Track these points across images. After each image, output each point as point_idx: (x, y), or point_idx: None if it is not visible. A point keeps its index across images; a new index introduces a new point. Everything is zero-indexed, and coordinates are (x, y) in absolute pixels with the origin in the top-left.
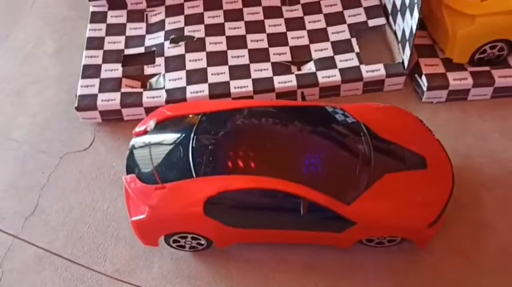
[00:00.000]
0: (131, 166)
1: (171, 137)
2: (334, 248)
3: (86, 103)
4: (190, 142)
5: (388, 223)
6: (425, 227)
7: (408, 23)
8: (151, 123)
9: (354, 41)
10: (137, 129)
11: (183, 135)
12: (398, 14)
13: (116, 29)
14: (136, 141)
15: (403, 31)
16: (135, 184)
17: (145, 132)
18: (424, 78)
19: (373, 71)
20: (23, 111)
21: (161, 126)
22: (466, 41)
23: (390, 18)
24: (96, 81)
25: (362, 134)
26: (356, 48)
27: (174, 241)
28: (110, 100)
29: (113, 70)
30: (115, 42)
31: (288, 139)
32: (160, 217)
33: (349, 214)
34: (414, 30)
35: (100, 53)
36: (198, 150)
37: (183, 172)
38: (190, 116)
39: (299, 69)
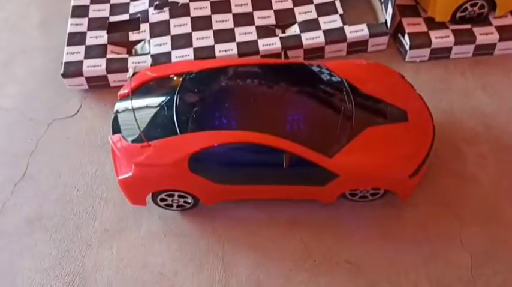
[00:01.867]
0: (117, 127)
1: (155, 97)
2: (319, 204)
3: (72, 70)
4: (174, 101)
5: (369, 174)
6: (406, 178)
7: None
8: (130, 72)
9: (337, 3)
10: (121, 91)
11: (167, 95)
12: None
13: None
14: (121, 102)
15: None
16: (121, 143)
17: (130, 93)
18: (406, 37)
19: (357, 31)
20: (10, 81)
21: (145, 87)
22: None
23: None
24: (81, 49)
25: (344, 89)
26: (340, 10)
27: (162, 200)
28: (95, 66)
29: (98, 37)
30: (100, 10)
31: (270, 96)
32: (146, 175)
33: (332, 166)
34: None
35: (85, 20)
36: (181, 108)
37: (168, 130)
38: (174, 76)
39: (283, 32)
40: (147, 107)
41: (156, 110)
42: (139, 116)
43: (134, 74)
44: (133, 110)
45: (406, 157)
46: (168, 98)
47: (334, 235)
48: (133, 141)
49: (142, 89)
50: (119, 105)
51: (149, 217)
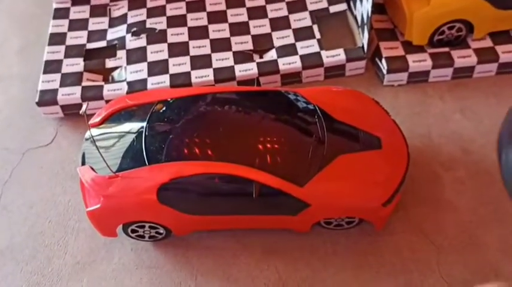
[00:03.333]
0: (86, 157)
1: (125, 126)
2: (294, 232)
3: (47, 98)
4: (144, 130)
5: (341, 203)
6: (380, 206)
7: (365, 7)
8: (83, 108)
9: (315, 27)
10: (92, 120)
11: (137, 124)
12: None
13: (78, 24)
14: (92, 132)
15: (362, 15)
16: (89, 175)
17: (100, 123)
18: (384, 61)
19: (334, 56)
20: None
21: (117, 116)
22: (423, 23)
23: (351, 3)
24: (57, 76)
25: (316, 117)
26: (317, 35)
27: (133, 231)
28: (70, 94)
29: (75, 65)
30: (77, 37)
31: (240, 124)
32: (115, 206)
33: (303, 195)
34: (370, 13)
35: (62, 48)
36: (150, 138)
37: (137, 160)
38: (146, 105)
39: (261, 57)
40: (117, 136)
41: (125, 139)
42: (109, 145)
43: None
44: (94, 141)
45: (378, 185)
46: (138, 127)
47: (309, 264)
48: (101, 172)
49: (113, 118)
50: (90, 133)
51: (121, 248)
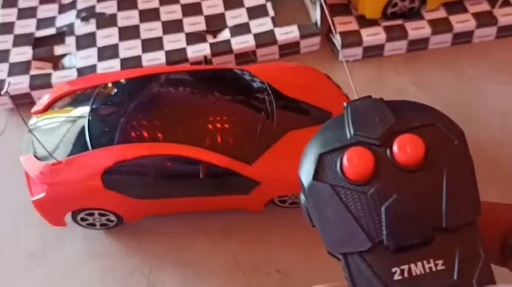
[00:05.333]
0: (29, 146)
1: (69, 112)
2: (249, 213)
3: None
4: (87, 115)
5: (290, 180)
6: None
7: None
8: (5, 87)
9: (269, 5)
10: (35, 108)
11: (81, 108)
12: None
13: (27, 13)
14: (34, 120)
15: None
16: (33, 163)
17: (44, 110)
18: (338, 36)
19: (287, 33)
20: None
21: (61, 102)
22: None
23: None
24: (5, 66)
25: (266, 94)
26: (271, 13)
27: (83, 219)
28: (18, 84)
29: (23, 54)
30: (26, 26)
31: (187, 103)
32: (60, 194)
33: (251, 173)
34: None
35: (10, 37)
36: (94, 122)
37: (80, 146)
38: (89, 89)
39: (215, 37)
40: (61, 123)
41: (69, 125)
42: (51, 132)
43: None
44: (30, 130)
45: None
46: (81, 112)
47: (265, 244)
48: (45, 160)
49: (57, 104)
50: (33, 120)
51: (73, 237)
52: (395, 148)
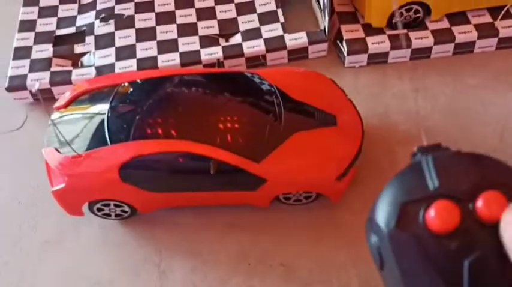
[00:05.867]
0: (51, 139)
1: (89, 108)
2: (257, 208)
3: (16, 84)
4: (107, 111)
5: (296, 178)
6: (333, 180)
7: None
8: (36, 85)
9: (279, 11)
10: (57, 103)
11: (101, 105)
12: None
13: (48, 11)
14: (56, 115)
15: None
16: (54, 155)
17: (65, 105)
18: (344, 43)
19: (296, 39)
20: None
21: (82, 99)
22: (381, 5)
23: None
24: (26, 62)
25: (274, 97)
26: (281, 19)
27: (99, 210)
28: (39, 79)
29: (44, 51)
30: (47, 24)
31: (201, 104)
32: (79, 185)
33: (259, 171)
34: None
35: (32, 35)
36: (113, 118)
37: (99, 140)
38: (109, 87)
39: (227, 41)
40: (81, 118)
41: (89, 121)
42: (74, 127)
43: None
44: (54, 124)
45: (332, 160)
46: (101, 109)
47: (270, 238)
48: (66, 153)
49: (78, 101)
50: (55, 115)
51: (89, 226)
52: (479, 203)
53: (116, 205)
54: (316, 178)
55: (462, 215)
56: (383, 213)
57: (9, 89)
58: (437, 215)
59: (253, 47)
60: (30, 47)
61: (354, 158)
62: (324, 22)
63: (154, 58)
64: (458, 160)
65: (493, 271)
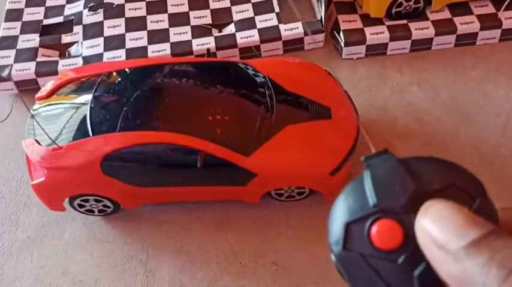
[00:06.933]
0: (31, 131)
1: (72, 99)
2: (247, 205)
3: (0, 74)
4: (90, 102)
5: (287, 172)
6: (327, 175)
7: None
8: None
9: (274, 1)
10: (39, 94)
11: (84, 96)
12: None
13: (35, 1)
14: (37, 105)
15: None
16: (34, 147)
17: (48, 96)
18: (342, 34)
19: (292, 29)
20: None
21: (64, 89)
22: None
23: None
24: (12, 52)
25: (266, 88)
26: (276, 8)
27: (80, 206)
28: (24, 70)
29: (30, 40)
30: (34, 13)
31: (189, 94)
32: (59, 179)
33: (248, 165)
34: None
35: (18, 24)
36: (95, 109)
37: (81, 132)
38: (93, 77)
39: (220, 31)
40: (63, 109)
41: (71, 112)
42: (56, 118)
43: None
44: (32, 114)
45: (325, 154)
46: (84, 99)
47: (261, 236)
48: (46, 145)
49: (61, 91)
50: (36, 106)
51: (73, 223)
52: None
53: (96, 200)
54: (309, 172)
55: (405, 229)
56: (332, 234)
57: None
58: (379, 235)
59: (247, 37)
60: (17, 37)
61: (349, 152)
62: (320, 12)
63: (144, 48)
64: (394, 171)
65: (441, 282)
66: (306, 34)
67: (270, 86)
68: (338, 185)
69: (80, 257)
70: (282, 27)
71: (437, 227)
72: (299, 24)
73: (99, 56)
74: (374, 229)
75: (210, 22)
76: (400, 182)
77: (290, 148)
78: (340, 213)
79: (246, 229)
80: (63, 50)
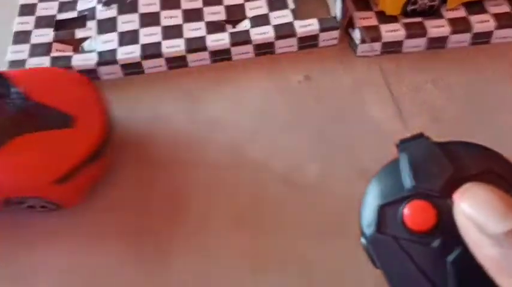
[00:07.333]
0: None
1: None
2: None
3: (15, 69)
4: None
5: (5, 180)
6: (50, 184)
7: None
8: None
9: None
10: None
11: None
12: None
13: None
14: None
15: None
16: None
17: None
18: (357, 31)
19: (307, 25)
20: None
21: None
22: None
23: None
24: (26, 47)
25: (9, 98)
26: (291, 5)
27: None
28: (39, 65)
29: (44, 35)
30: (48, 8)
31: None
32: None
33: None
34: None
35: (32, 19)
36: None
37: None
38: None
39: (234, 27)
40: None
41: None
42: None
43: None
44: None
45: (49, 162)
46: None
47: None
48: None
49: None
50: None
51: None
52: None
53: None
54: (28, 182)
55: (439, 212)
56: (364, 217)
57: None
58: (412, 216)
59: (262, 33)
60: (30, 32)
61: (84, 161)
62: (335, 8)
63: (158, 44)
64: (432, 155)
65: (477, 266)
66: (321, 31)
67: (17, 96)
68: (74, 193)
69: None
70: (296, 23)
71: (476, 210)
72: (314, 20)
73: (113, 52)
74: (407, 211)
75: (224, 18)
76: (438, 165)
77: (16, 156)
78: (373, 196)
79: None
80: (77, 45)
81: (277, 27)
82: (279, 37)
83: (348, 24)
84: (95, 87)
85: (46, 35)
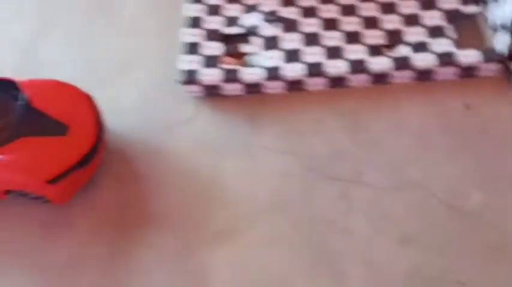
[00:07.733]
0: None
1: None
2: None
3: (189, 78)
4: None
5: (8, 176)
6: (43, 183)
7: (506, 10)
8: None
9: (449, 26)
10: None
11: None
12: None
13: (215, 10)
14: None
15: (502, 17)
16: None
17: None
18: None
19: (468, 56)
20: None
21: None
22: None
23: (483, 4)
24: (198, 58)
25: (17, 105)
26: (452, 34)
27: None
28: (210, 76)
29: (213, 48)
30: (214, 22)
31: None
32: None
33: None
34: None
35: (201, 31)
36: None
37: None
38: None
39: (391, 52)
40: None
41: None
42: None
43: None
44: None
45: (44, 165)
46: None
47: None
48: None
49: None
50: None
51: None
52: None
53: None
54: (24, 178)
55: None
56: None
57: (184, 82)
58: None
59: (423, 60)
60: (200, 44)
61: (74, 165)
62: (494, 41)
63: (320, 64)
64: None
65: None
66: (484, 62)
67: (24, 103)
68: (64, 192)
69: None
70: (458, 53)
71: None
72: (475, 51)
73: (278, 69)
74: None
75: (384, 42)
76: None
77: (17, 155)
78: None
79: None
80: (240, 59)
81: (439, 55)
82: (440, 65)
83: (510, 57)
84: (91, 101)
85: (215, 47)
